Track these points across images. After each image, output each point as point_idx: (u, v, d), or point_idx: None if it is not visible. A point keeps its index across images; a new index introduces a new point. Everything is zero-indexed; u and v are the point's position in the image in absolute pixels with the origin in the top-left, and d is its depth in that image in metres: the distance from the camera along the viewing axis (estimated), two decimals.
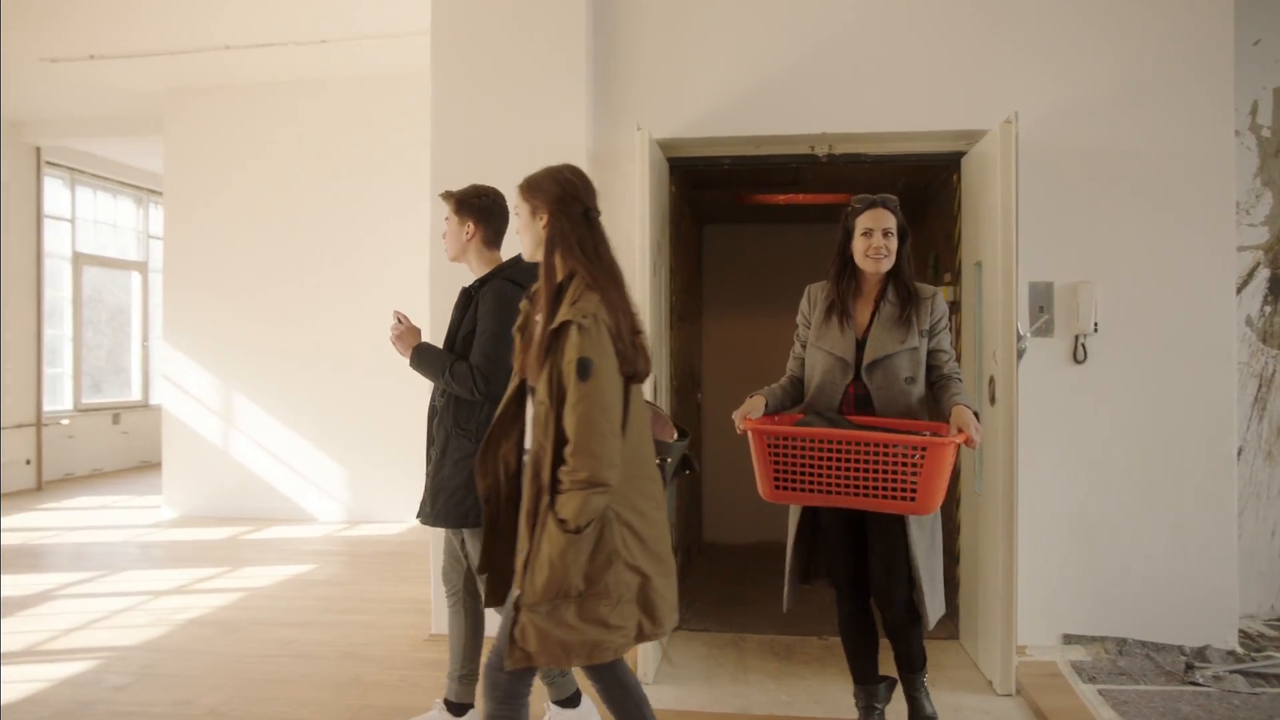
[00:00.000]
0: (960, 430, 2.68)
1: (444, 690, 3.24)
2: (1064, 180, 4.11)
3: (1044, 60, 4.13)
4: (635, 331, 2.25)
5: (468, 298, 3.09)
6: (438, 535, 4.29)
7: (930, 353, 2.92)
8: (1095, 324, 4.07)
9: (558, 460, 2.13)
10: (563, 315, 2.17)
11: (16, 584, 5.31)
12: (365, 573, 5.62)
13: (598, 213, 2.34)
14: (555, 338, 2.16)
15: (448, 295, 4.29)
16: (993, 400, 3.77)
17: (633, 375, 2.22)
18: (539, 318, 2.24)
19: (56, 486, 9.17)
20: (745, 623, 4.59)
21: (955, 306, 4.59)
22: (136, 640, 4.30)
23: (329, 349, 7.45)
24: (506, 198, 4.24)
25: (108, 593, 5.18)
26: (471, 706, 3.17)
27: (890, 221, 2.95)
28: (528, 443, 2.29)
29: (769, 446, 2.72)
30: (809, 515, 3.07)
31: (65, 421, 9.66)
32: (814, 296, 3.12)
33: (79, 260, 10.10)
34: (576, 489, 2.10)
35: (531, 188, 2.34)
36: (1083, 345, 4.10)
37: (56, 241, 9.79)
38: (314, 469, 7.47)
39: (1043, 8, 4.14)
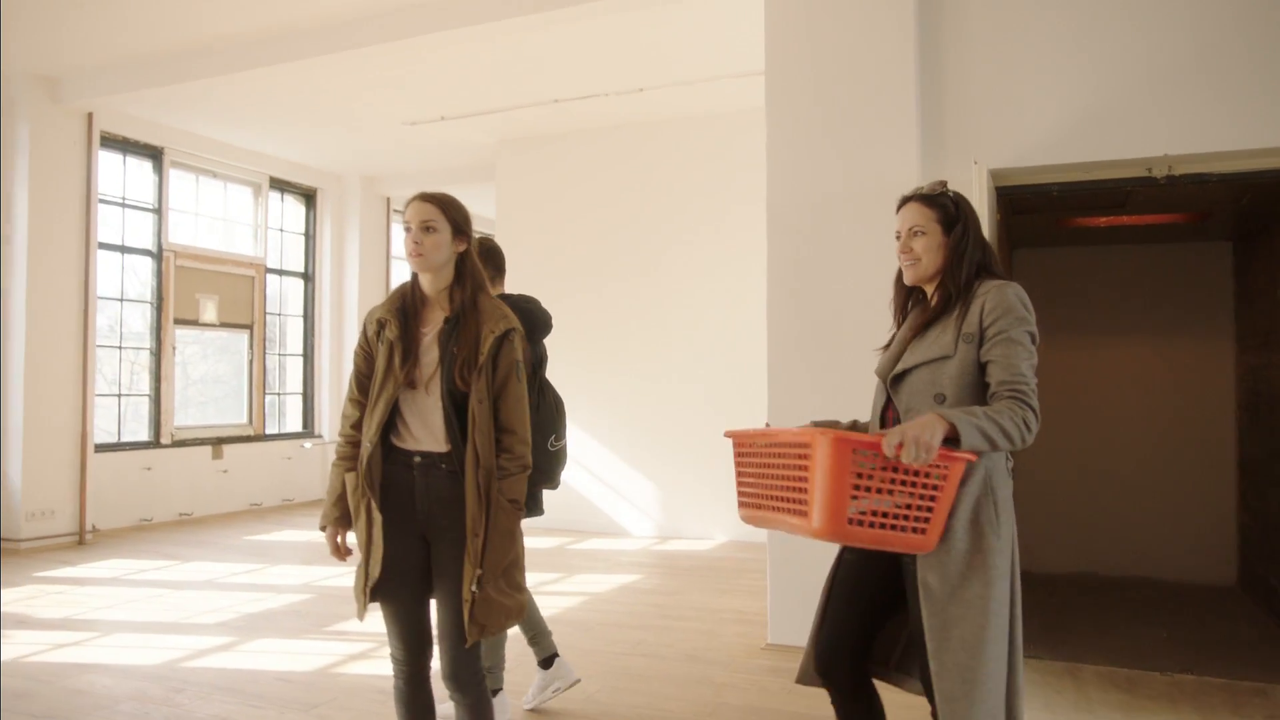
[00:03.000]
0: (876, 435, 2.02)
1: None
2: None
3: None
4: None
5: None
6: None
7: (984, 365, 2.18)
8: None
9: (497, 450, 2.44)
10: (505, 323, 2.48)
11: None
12: (688, 584, 6.01)
13: None
14: (501, 342, 2.46)
15: (787, 326, 4.60)
16: None
17: None
18: (426, 329, 2.49)
19: None
20: (1076, 652, 4.52)
21: None
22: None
23: (641, 376, 8.01)
24: (819, 227, 4.52)
25: None
26: (555, 656, 3.75)
27: (918, 218, 2.34)
28: (412, 445, 2.46)
29: (737, 456, 2.31)
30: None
31: None
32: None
33: None
34: (520, 472, 2.46)
35: (459, 211, 2.55)
36: None
37: (400, 278, 11.12)
38: (628, 486, 8.03)
39: None
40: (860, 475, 1.95)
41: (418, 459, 2.46)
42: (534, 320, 3.64)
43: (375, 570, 2.42)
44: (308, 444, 9.95)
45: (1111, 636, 4.86)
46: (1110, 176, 4.36)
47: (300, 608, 5.42)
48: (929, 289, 2.37)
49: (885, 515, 1.99)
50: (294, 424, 10.16)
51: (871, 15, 4.53)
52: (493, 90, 7.52)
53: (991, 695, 2.09)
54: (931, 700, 2.18)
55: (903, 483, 1.98)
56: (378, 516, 2.42)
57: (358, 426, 2.53)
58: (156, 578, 6.25)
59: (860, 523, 1.96)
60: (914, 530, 2.02)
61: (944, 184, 2.39)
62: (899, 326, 2.45)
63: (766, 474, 2.15)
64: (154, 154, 8.54)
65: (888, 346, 2.44)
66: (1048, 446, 6.44)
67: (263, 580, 6.18)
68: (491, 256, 3.66)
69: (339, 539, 2.53)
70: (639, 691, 3.95)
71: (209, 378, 9.34)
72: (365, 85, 7.46)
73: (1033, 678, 4.15)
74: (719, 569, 6.51)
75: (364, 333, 2.57)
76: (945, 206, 2.33)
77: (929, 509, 2.02)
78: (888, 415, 2.33)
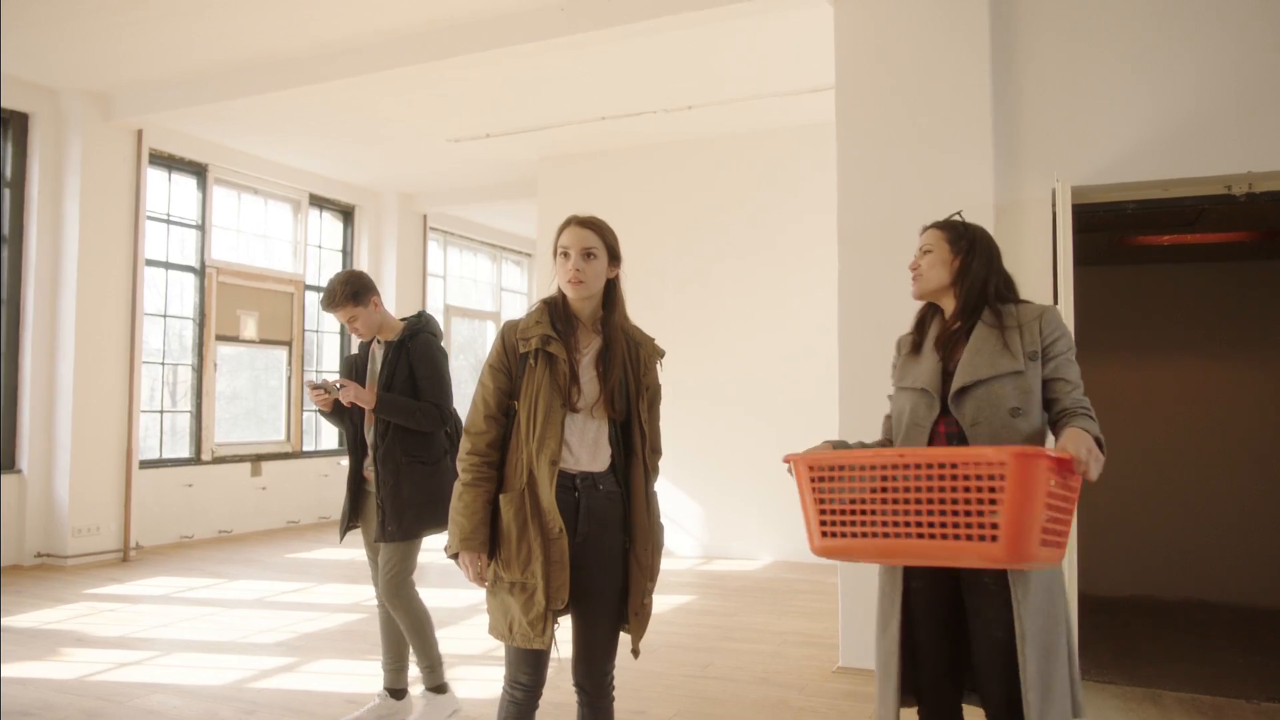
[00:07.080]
0: (1064, 451, 2.04)
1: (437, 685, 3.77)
2: None
3: None
4: None
5: (396, 350, 3.64)
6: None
7: (1047, 383, 2.34)
8: None
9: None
10: (655, 346, 2.60)
11: (453, 597, 6.08)
12: (744, 605, 5.94)
13: None
14: (652, 362, 2.59)
15: (859, 345, 4.54)
16: None
17: None
18: (581, 352, 2.47)
19: None
20: (1153, 677, 4.44)
21: None
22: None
23: (686, 394, 7.96)
24: (891, 245, 4.48)
25: None
26: (407, 691, 3.83)
27: (929, 239, 2.49)
28: (573, 466, 2.44)
29: (814, 481, 2.18)
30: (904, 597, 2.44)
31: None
32: (901, 344, 2.60)
33: (449, 312, 11.40)
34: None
35: (614, 236, 2.54)
36: None
37: (433, 295, 11.13)
38: (673, 505, 7.96)
39: None
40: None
41: (579, 480, 2.45)
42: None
43: (564, 594, 2.37)
44: (344, 461, 9.90)
45: (1186, 662, 4.76)
46: (1187, 194, 4.31)
47: (355, 628, 5.37)
48: (945, 304, 2.49)
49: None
50: (329, 441, 10.14)
51: (944, 34, 4.50)
52: (539, 107, 7.52)
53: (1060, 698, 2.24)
54: (992, 711, 2.30)
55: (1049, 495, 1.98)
56: (562, 541, 2.36)
57: (495, 446, 2.45)
58: (206, 596, 6.21)
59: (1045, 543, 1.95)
60: (1055, 544, 2.02)
61: (959, 213, 2.57)
62: (917, 338, 2.54)
63: (898, 495, 2.05)
64: (198, 171, 8.56)
65: (914, 353, 2.50)
66: (1105, 467, 6.34)
67: (312, 599, 6.13)
68: (371, 286, 3.73)
69: (482, 565, 2.44)
70: (717, 717, 3.88)
71: (230, 393, 9.27)
72: (410, 103, 7.47)
73: (1113, 704, 4.07)
74: (771, 589, 6.43)
75: (503, 349, 2.47)
76: (955, 228, 2.50)
77: (1065, 521, 2.03)
78: (939, 429, 2.36)
